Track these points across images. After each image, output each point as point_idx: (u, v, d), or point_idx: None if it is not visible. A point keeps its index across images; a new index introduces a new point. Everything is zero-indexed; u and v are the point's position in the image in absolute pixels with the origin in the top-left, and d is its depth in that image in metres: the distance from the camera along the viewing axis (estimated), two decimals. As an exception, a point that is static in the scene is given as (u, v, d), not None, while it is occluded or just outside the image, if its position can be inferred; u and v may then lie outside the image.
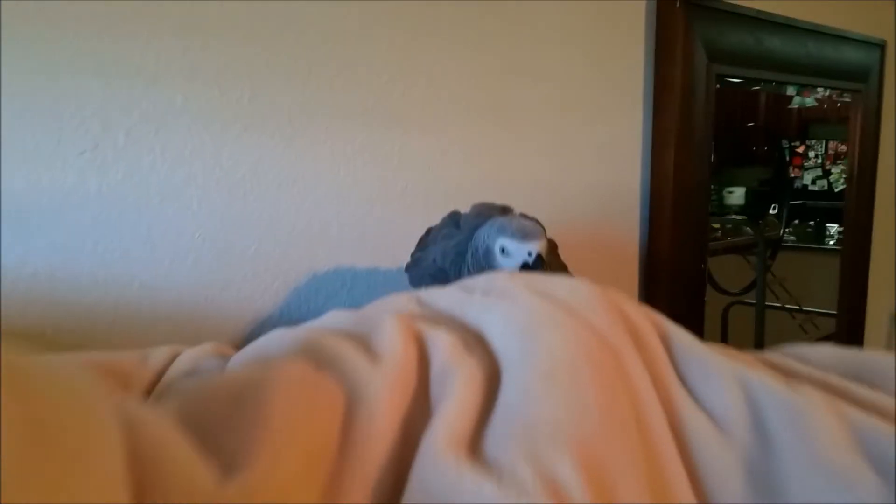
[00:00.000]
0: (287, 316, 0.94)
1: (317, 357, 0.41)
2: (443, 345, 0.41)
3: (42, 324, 0.76)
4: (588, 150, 1.27)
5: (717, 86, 1.34)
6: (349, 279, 0.99)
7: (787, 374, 0.44)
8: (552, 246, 0.81)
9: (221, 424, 0.38)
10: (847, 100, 1.84)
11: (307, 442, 0.34)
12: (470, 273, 0.72)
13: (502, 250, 0.69)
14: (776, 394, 0.38)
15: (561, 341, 0.38)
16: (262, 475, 0.32)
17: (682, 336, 0.45)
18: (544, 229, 0.76)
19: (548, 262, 0.69)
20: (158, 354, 0.64)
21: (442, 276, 0.76)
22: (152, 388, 0.59)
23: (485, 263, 0.70)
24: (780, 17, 1.43)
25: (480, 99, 1.10)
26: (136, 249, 0.81)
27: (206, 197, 0.85)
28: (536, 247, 0.68)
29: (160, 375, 0.61)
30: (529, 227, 0.69)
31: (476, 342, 0.43)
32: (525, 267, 0.68)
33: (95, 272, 0.79)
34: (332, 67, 0.93)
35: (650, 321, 0.45)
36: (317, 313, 0.97)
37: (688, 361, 0.42)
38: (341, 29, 0.93)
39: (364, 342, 0.44)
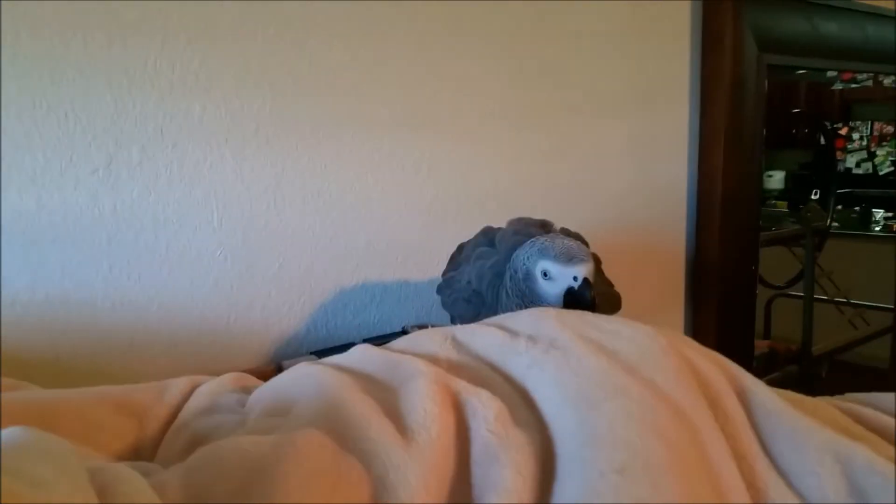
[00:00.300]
0: (314, 333, 0.90)
1: (341, 429, 0.35)
2: (485, 415, 0.35)
3: (56, 350, 0.73)
4: (629, 151, 1.21)
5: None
6: (378, 293, 0.94)
7: (888, 438, 0.38)
8: (596, 262, 0.74)
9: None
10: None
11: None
12: (508, 297, 0.66)
13: (544, 274, 0.63)
14: (884, 477, 0.32)
15: (630, 421, 0.32)
16: None
17: (762, 394, 0.38)
18: (587, 245, 0.70)
19: (594, 284, 0.63)
20: (175, 387, 0.60)
21: (477, 300, 0.70)
22: (169, 424, 0.56)
23: (525, 287, 0.64)
24: (838, 1, 1.34)
25: (512, 102, 1.04)
26: (154, 270, 0.78)
27: (227, 213, 0.81)
28: (583, 270, 0.61)
29: (177, 410, 0.58)
30: (574, 249, 0.62)
31: (523, 405, 0.37)
32: (570, 292, 0.62)
33: (111, 295, 0.76)
34: (354, 73, 0.88)
35: (724, 375, 0.39)
36: (345, 329, 0.94)
37: (773, 429, 0.36)
38: (363, 34, 0.88)
39: (393, 403, 0.38)
